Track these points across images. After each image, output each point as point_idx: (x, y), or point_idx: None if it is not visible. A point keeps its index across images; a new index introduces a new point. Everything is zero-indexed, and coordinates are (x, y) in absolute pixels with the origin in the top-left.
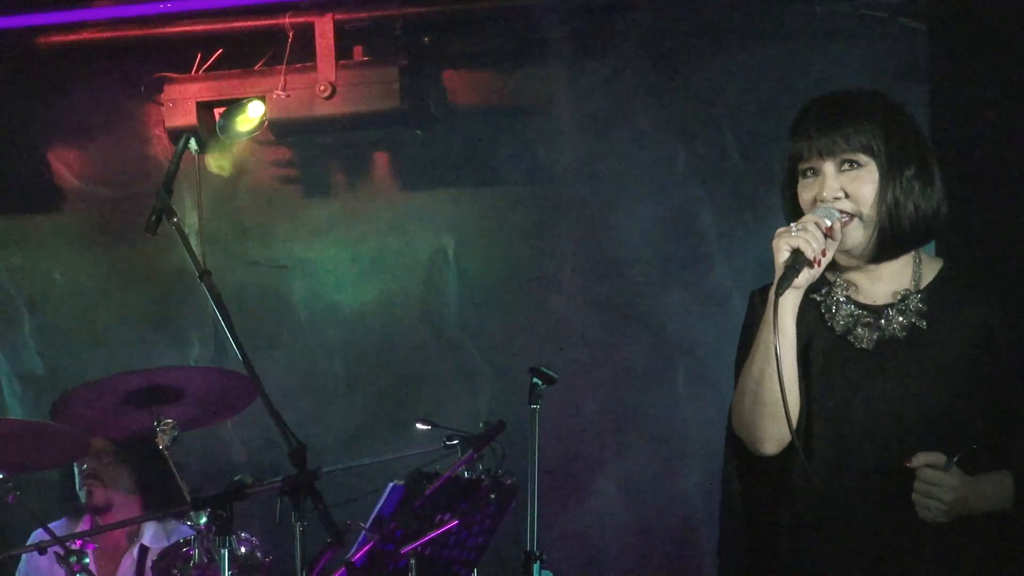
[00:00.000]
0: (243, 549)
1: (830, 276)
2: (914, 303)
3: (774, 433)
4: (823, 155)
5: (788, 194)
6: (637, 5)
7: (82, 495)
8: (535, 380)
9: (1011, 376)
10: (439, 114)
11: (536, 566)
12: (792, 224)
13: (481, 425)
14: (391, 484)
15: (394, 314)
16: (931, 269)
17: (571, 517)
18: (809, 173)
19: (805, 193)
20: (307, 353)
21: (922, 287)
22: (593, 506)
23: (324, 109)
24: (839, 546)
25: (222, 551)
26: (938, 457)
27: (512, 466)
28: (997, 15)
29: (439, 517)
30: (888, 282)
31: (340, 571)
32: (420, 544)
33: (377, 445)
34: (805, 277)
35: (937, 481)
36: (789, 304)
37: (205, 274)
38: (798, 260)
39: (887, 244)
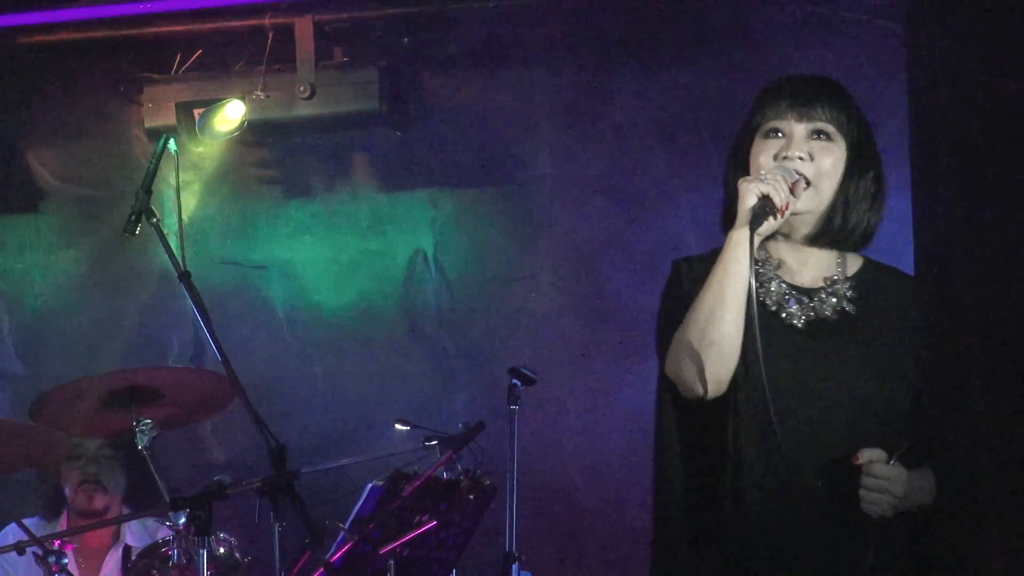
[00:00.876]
0: (222, 549)
1: (760, 254)
2: (843, 289)
3: (716, 373)
4: (799, 118)
5: (740, 153)
6: (616, 5)
7: (80, 499)
8: (514, 381)
9: (931, 371)
10: (418, 115)
11: (515, 567)
12: (761, 172)
13: (460, 426)
14: (370, 485)
15: (373, 315)
16: (855, 261)
17: (551, 518)
18: (775, 134)
19: (766, 152)
20: (286, 354)
21: (848, 276)
22: (573, 506)
23: (304, 110)
24: (775, 503)
25: (200, 551)
26: (880, 453)
27: (491, 467)
28: (974, 17)
29: (418, 518)
30: (816, 267)
31: (319, 572)
32: (399, 545)
33: (356, 446)
34: (768, 226)
35: (888, 475)
36: (746, 247)
37: (184, 274)
38: (767, 205)
39: (830, 232)
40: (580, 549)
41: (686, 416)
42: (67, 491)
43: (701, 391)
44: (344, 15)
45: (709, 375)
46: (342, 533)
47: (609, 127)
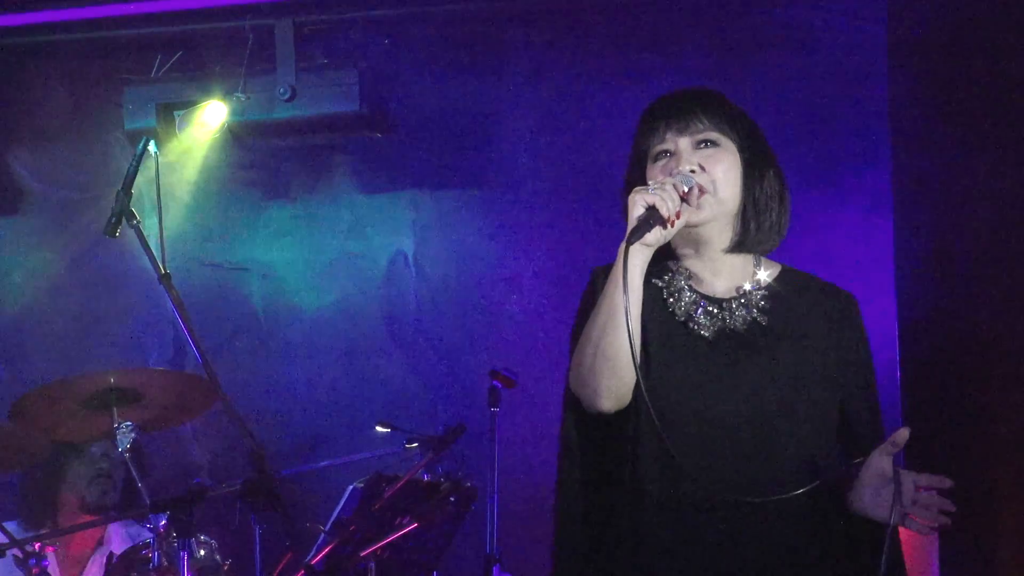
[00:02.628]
0: (202, 552)
1: (672, 265)
2: (755, 299)
3: (613, 388)
4: (680, 133)
5: (634, 181)
6: (597, 10)
7: (93, 492)
8: (495, 383)
9: (852, 374)
10: (399, 117)
11: (495, 568)
12: (649, 183)
13: (441, 428)
14: (350, 487)
15: (354, 317)
16: (771, 269)
17: (531, 520)
18: (664, 155)
19: (656, 172)
20: (266, 356)
21: (762, 284)
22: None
23: (284, 112)
24: (676, 516)
25: (181, 554)
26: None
27: (472, 469)
28: (955, 20)
29: (398, 520)
30: (729, 277)
31: (299, 574)
32: (379, 547)
33: (336, 448)
34: (657, 236)
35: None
36: (638, 260)
37: (164, 276)
38: (652, 216)
39: (748, 238)
40: None
41: (588, 429)
42: (68, 491)
43: (601, 406)
44: (324, 17)
45: (606, 390)
46: (323, 535)
47: (589, 129)
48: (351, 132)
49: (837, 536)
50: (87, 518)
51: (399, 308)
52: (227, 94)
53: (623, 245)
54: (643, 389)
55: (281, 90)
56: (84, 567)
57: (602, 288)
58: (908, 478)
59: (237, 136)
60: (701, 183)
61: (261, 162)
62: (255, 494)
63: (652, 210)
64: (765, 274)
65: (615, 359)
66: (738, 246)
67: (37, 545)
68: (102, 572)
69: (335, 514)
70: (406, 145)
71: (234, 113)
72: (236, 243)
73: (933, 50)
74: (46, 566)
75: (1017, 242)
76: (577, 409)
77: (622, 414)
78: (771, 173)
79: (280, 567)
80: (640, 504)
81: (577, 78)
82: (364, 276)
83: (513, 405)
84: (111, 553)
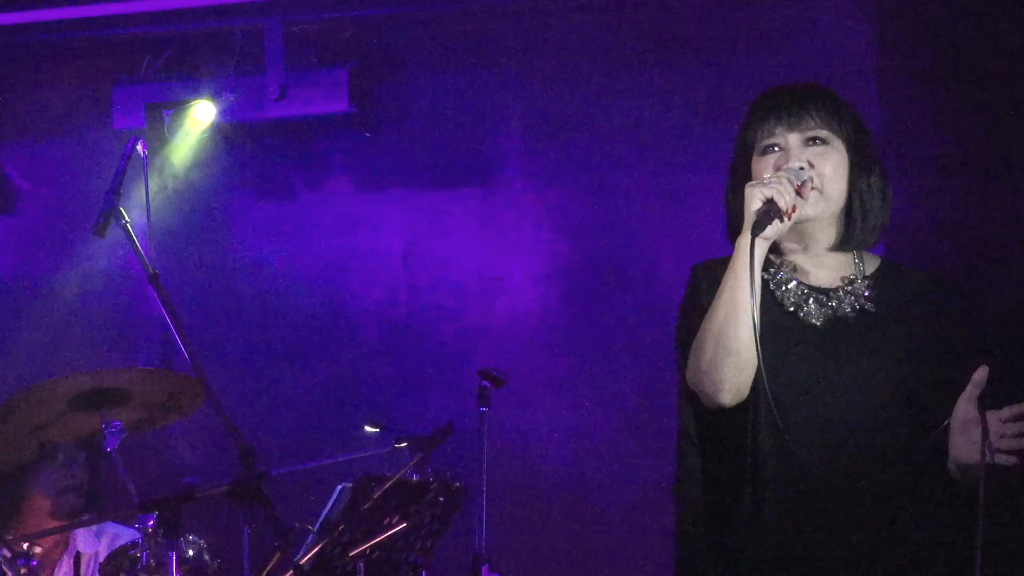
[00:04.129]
0: (191, 552)
1: (775, 259)
2: (861, 288)
3: (735, 382)
4: (791, 128)
5: (739, 172)
6: (586, 10)
7: (62, 504)
8: (484, 382)
9: (957, 358)
10: (388, 117)
11: (485, 569)
12: (764, 176)
13: (430, 428)
14: (339, 486)
15: (343, 316)
16: (872, 261)
17: (521, 520)
18: (772, 149)
19: (766, 166)
20: (256, 355)
21: (867, 274)
22: (543, 509)
23: (273, 111)
24: (797, 505)
25: (170, 554)
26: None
27: (461, 468)
28: (944, 16)
29: (387, 520)
30: (833, 269)
31: (288, 574)
32: (368, 547)
33: (326, 447)
34: (775, 229)
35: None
36: (758, 253)
37: (153, 276)
38: (771, 209)
39: (853, 235)
40: (551, 551)
41: (707, 423)
42: (38, 496)
43: (722, 400)
44: (313, 17)
45: (728, 384)
46: (311, 535)
47: (580, 130)
48: (341, 131)
49: (942, 508)
50: (55, 523)
51: (389, 308)
52: (216, 94)
53: (740, 239)
54: (764, 380)
55: (270, 90)
56: (53, 571)
57: (707, 286)
58: (993, 416)
59: (226, 136)
60: (808, 176)
61: (250, 162)
62: (244, 494)
63: (771, 203)
64: (867, 265)
65: (737, 353)
66: (843, 244)
67: (26, 545)
68: (72, 573)
69: (324, 514)
70: (396, 145)
71: (223, 113)
72: (225, 242)
73: (922, 49)
74: (34, 566)
75: (1010, 247)
76: (695, 402)
77: (740, 406)
78: (877, 171)
79: (269, 567)
80: (759, 493)
81: (568, 79)
82: (354, 276)
83: (502, 405)
84: (78, 553)
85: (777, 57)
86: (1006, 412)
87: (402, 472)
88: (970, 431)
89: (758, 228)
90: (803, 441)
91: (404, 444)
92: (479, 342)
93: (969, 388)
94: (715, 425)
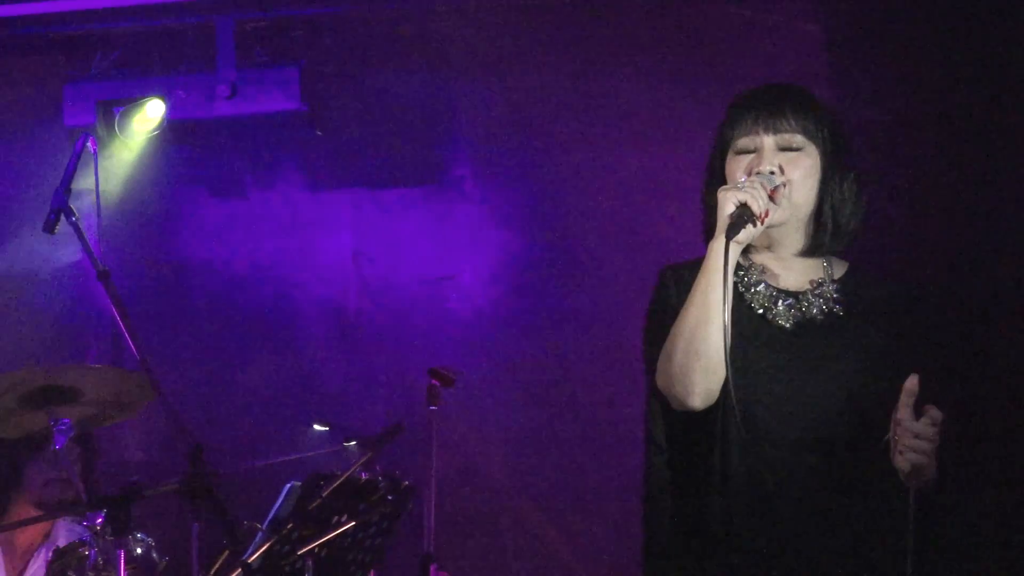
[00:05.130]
0: (139, 550)
1: (743, 261)
2: (830, 291)
3: (705, 386)
4: (766, 131)
5: (715, 170)
6: (540, 10)
7: (50, 493)
8: (433, 381)
9: (923, 362)
10: (340, 115)
11: (433, 567)
12: (739, 181)
13: (379, 426)
14: (288, 485)
15: (293, 314)
16: (840, 266)
17: (470, 518)
18: (746, 150)
19: (739, 168)
20: (205, 353)
21: (835, 279)
22: (492, 507)
23: (224, 109)
24: (764, 507)
25: (118, 552)
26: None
27: (410, 467)
28: (892, 18)
29: (336, 518)
30: (802, 272)
31: (236, 572)
32: (317, 545)
33: (275, 446)
34: (748, 234)
35: (927, 422)
36: (731, 256)
37: (103, 274)
38: (745, 213)
39: (822, 241)
40: (498, 550)
41: (676, 426)
42: (24, 489)
43: (692, 404)
44: (265, 14)
45: (699, 388)
46: (260, 533)
47: (529, 128)
48: (292, 130)
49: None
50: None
51: (338, 306)
52: (167, 91)
53: (713, 243)
54: (730, 381)
55: (221, 87)
56: (28, 560)
57: (676, 289)
58: (907, 423)
59: (177, 133)
60: (779, 181)
61: (201, 159)
62: (193, 492)
63: (744, 207)
64: (836, 270)
65: (708, 356)
66: (812, 249)
67: None
68: (46, 565)
69: (273, 512)
70: (347, 143)
71: (174, 110)
72: (176, 240)
73: (872, 49)
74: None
75: (961, 234)
76: (664, 405)
77: (709, 409)
78: (851, 177)
79: (217, 565)
80: (728, 496)
81: (522, 79)
82: (304, 274)
83: (452, 404)
84: (56, 548)
85: (728, 59)
86: (922, 420)
87: (351, 471)
88: (902, 439)
89: (732, 232)
90: (772, 442)
91: (353, 443)
92: (429, 341)
93: (902, 397)
94: (684, 428)
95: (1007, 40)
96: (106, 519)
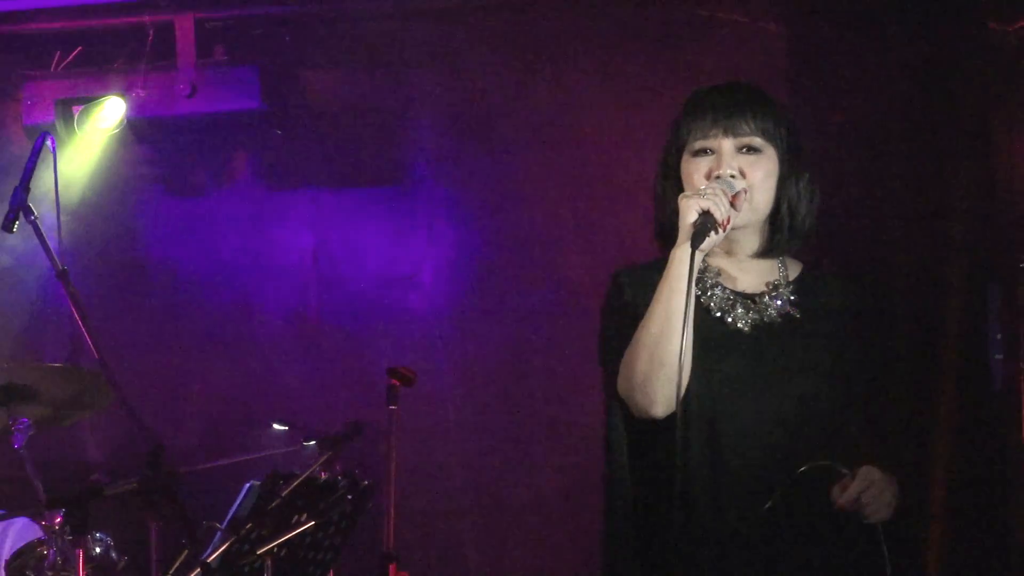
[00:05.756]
0: (98, 550)
1: (700, 264)
2: (786, 293)
3: (668, 394)
4: (725, 133)
5: (669, 169)
6: (499, 10)
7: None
8: (393, 381)
9: (878, 366)
10: (300, 114)
11: (392, 567)
12: (700, 187)
13: (339, 426)
14: (247, 484)
15: (253, 314)
16: (795, 266)
17: (430, 518)
18: (705, 152)
19: (698, 171)
20: (164, 352)
21: (791, 280)
22: (452, 507)
23: (184, 108)
24: (724, 515)
25: (76, 552)
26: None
27: (370, 467)
28: (855, 20)
29: (295, 518)
30: (758, 274)
31: (195, 572)
32: (276, 545)
33: (234, 446)
34: (710, 241)
35: (873, 482)
36: (688, 265)
37: (62, 273)
38: (708, 221)
39: (778, 241)
40: (458, 549)
41: (636, 431)
42: None
43: (654, 412)
44: (224, 13)
45: (662, 397)
46: (219, 533)
47: (489, 129)
48: (252, 129)
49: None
50: None
51: (298, 305)
52: (127, 90)
53: (676, 251)
54: (679, 386)
55: (181, 86)
56: None
57: (634, 290)
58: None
59: (137, 132)
60: (740, 187)
61: (161, 158)
62: (151, 492)
63: (707, 215)
64: (791, 271)
65: (671, 365)
66: (768, 250)
67: None
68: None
69: (232, 512)
70: (307, 143)
71: (134, 109)
72: (135, 239)
73: (833, 49)
74: None
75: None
76: (624, 411)
77: (670, 415)
78: (807, 177)
79: (176, 565)
80: (690, 503)
81: (480, 78)
82: (264, 273)
83: (411, 403)
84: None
85: (690, 59)
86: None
87: (310, 470)
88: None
89: (697, 241)
90: (734, 447)
91: (312, 442)
92: (389, 340)
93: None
94: (645, 435)
95: (964, 41)
96: (65, 518)
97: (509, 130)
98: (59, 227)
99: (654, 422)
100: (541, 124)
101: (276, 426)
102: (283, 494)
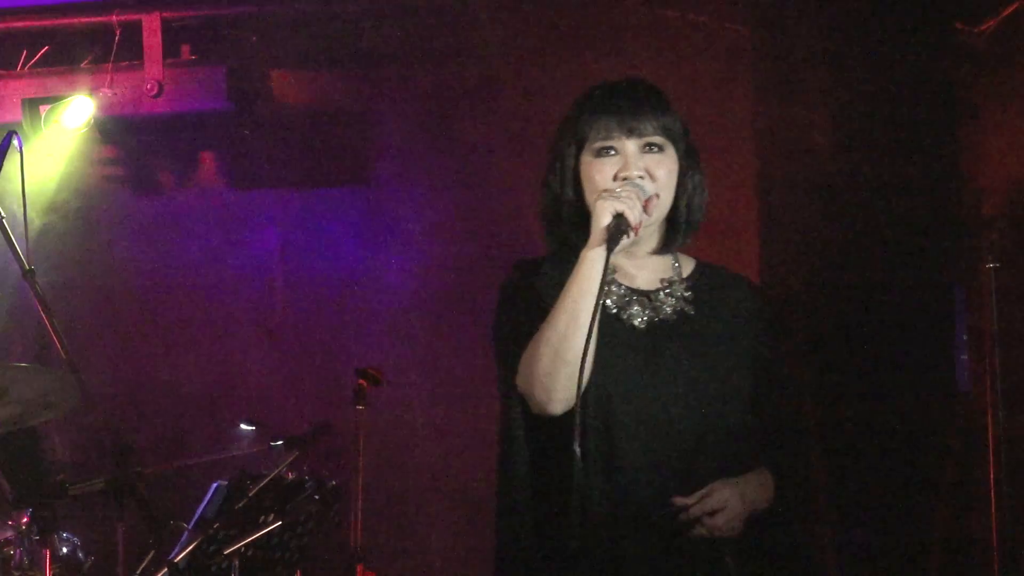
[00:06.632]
0: (65, 549)
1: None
2: (680, 290)
3: (568, 391)
4: (629, 134)
5: (565, 164)
6: (461, 11)
7: None
8: (360, 381)
9: (766, 362)
10: (266, 114)
11: (360, 566)
12: (616, 188)
13: (306, 426)
14: (215, 484)
15: (220, 313)
16: (688, 262)
17: (397, 518)
18: (608, 152)
19: (603, 171)
20: (132, 352)
21: (684, 276)
22: (419, 507)
23: (151, 107)
24: (621, 509)
25: (43, 552)
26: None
27: (338, 467)
28: (817, 20)
29: (263, 518)
30: (653, 271)
31: (162, 572)
32: (243, 544)
33: (201, 445)
34: (621, 244)
35: (720, 501)
36: (600, 267)
37: (29, 272)
38: (622, 223)
39: (675, 237)
40: (426, 549)
41: (535, 426)
42: None
43: (553, 409)
44: (191, 12)
45: (562, 394)
46: (186, 533)
47: (457, 129)
48: (219, 129)
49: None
50: None
51: (266, 305)
52: (94, 89)
53: (589, 252)
54: (577, 387)
55: (148, 86)
56: None
57: (528, 282)
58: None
59: (104, 131)
60: (649, 190)
61: (128, 158)
62: (118, 491)
63: (621, 217)
64: (685, 267)
65: (573, 364)
66: (664, 246)
67: None
68: None
69: (199, 512)
70: (274, 143)
71: (101, 108)
72: (103, 239)
73: (797, 48)
74: None
75: (876, 233)
76: (523, 406)
77: (568, 411)
78: (699, 170)
79: (143, 565)
80: (587, 501)
81: (447, 79)
82: (231, 272)
83: (379, 403)
84: None
85: (657, 59)
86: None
87: (278, 470)
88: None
89: (613, 244)
90: (629, 443)
91: (280, 442)
92: (356, 340)
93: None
94: (543, 429)
95: (931, 42)
96: (31, 518)
97: (476, 130)
98: (26, 226)
99: (553, 420)
100: (508, 124)
101: (243, 426)
102: (250, 494)
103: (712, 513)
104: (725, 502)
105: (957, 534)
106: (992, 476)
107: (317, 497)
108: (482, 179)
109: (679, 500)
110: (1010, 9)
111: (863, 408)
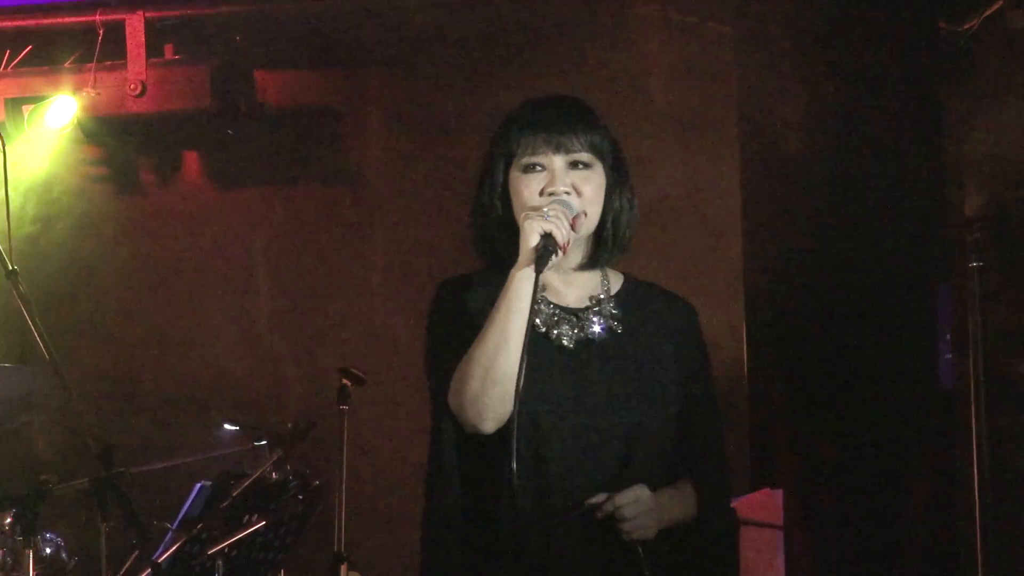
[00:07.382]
0: (48, 550)
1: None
2: (608, 308)
3: (500, 411)
4: (556, 150)
5: (493, 180)
6: (450, 11)
7: None
8: (344, 381)
9: (693, 382)
10: (250, 114)
11: (343, 567)
12: (544, 208)
13: (290, 426)
14: (198, 484)
15: (204, 313)
16: (616, 278)
17: (381, 518)
18: (535, 168)
19: (530, 187)
20: (115, 353)
21: (612, 294)
22: (403, 507)
23: (135, 107)
24: (555, 530)
25: (26, 552)
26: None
27: (321, 467)
28: (802, 20)
29: (246, 518)
30: (582, 288)
31: (146, 572)
32: (227, 545)
33: (185, 445)
34: (551, 263)
35: (630, 497)
36: (529, 286)
37: (12, 272)
38: (550, 243)
39: (603, 254)
40: (409, 549)
41: (466, 445)
42: None
43: (484, 428)
44: (175, 12)
45: (493, 413)
46: (170, 533)
47: (440, 129)
48: (202, 129)
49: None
50: None
51: (249, 305)
52: (77, 89)
53: (517, 272)
54: (515, 410)
55: (132, 86)
56: None
57: (458, 301)
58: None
59: (87, 131)
60: (578, 207)
61: (111, 158)
62: (102, 492)
63: (549, 237)
64: (613, 284)
65: (504, 383)
66: (591, 262)
67: None
68: None
69: (183, 512)
70: (258, 143)
71: (84, 108)
72: (86, 239)
73: (781, 48)
74: None
75: (862, 246)
76: (454, 424)
77: (499, 431)
78: (628, 187)
79: (127, 565)
80: (517, 519)
81: (429, 80)
82: (214, 272)
83: (362, 403)
84: None
85: (641, 58)
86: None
87: (261, 470)
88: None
89: (541, 264)
90: (558, 462)
91: (264, 442)
92: (339, 340)
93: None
94: (475, 447)
95: (914, 41)
96: (14, 519)
97: (463, 130)
98: (8, 227)
99: (483, 437)
100: (494, 124)
101: (227, 426)
102: (234, 494)
103: (622, 509)
104: (636, 498)
105: (940, 532)
106: (975, 474)
107: (301, 497)
108: (468, 179)
109: (591, 500)
110: (993, 8)
111: (845, 406)
